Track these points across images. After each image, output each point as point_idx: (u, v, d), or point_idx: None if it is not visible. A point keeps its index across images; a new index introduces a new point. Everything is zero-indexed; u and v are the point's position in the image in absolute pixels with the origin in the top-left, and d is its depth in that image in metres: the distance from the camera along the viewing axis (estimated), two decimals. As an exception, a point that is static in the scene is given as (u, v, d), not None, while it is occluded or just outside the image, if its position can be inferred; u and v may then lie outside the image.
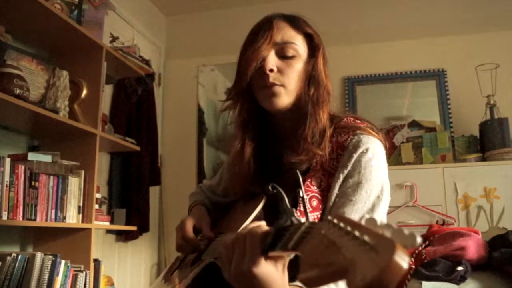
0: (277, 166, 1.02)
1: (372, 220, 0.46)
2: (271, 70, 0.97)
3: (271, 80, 0.97)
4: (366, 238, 0.42)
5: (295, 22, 1.03)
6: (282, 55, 0.99)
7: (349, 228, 0.46)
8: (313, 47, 1.02)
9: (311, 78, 0.99)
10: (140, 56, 3.06)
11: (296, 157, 0.96)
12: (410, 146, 3.19)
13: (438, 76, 3.45)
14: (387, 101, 3.53)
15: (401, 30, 3.54)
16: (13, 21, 2.14)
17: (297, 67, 0.99)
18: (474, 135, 3.15)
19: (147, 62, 3.13)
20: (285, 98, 0.99)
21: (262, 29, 1.00)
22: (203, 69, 3.88)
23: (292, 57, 0.99)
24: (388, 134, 3.28)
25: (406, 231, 0.42)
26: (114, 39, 3.09)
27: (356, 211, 0.90)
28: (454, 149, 3.15)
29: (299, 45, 1.00)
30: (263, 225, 0.71)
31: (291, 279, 0.75)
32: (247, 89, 1.02)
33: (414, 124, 3.31)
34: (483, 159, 3.02)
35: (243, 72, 1.00)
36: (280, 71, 0.98)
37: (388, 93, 3.52)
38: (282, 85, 0.98)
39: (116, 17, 3.19)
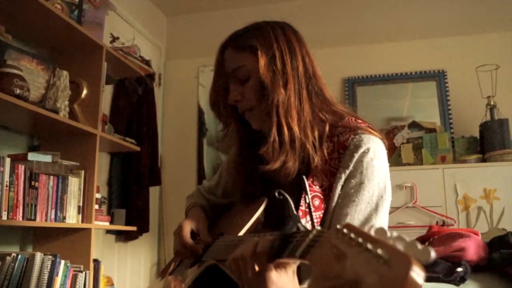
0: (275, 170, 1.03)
1: (382, 231, 0.45)
2: (236, 101, 1.01)
3: (241, 109, 1.03)
4: (380, 251, 0.41)
5: (239, 42, 1.02)
6: (240, 81, 1.01)
7: (360, 240, 0.45)
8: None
9: (262, 88, 0.98)
10: (141, 56, 3.06)
11: (265, 166, 0.96)
12: (410, 147, 3.19)
13: (438, 77, 3.45)
14: (387, 101, 3.53)
15: (401, 31, 3.54)
16: (13, 21, 2.14)
17: (253, 85, 0.99)
18: (474, 136, 3.15)
19: (147, 62, 3.13)
20: (259, 118, 1.01)
21: (217, 66, 1.05)
22: (203, 70, 3.88)
23: (247, 79, 1.00)
24: (388, 135, 3.27)
25: (419, 245, 0.41)
26: (114, 39, 3.09)
27: (359, 212, 0.90)
28: (454, 150, 3.15)
29: (247, 64, 0.99)
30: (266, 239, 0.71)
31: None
32: (230, 115, 1.06)
33: (414, 125, 3.30)
34: (483, 160, 3.02)
35: (213, 108, 1.07)
36: (244, 97, 1.01)
37: (389, 94, 3.52)
38: (252, 108, 1.01)
39: (117, 17, 3.18)
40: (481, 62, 3.22)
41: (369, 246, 0.42)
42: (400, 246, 0.41)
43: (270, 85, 0.96)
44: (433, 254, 0.40)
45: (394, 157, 3.21)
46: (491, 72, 3.18)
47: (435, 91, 3.43)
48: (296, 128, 0.95)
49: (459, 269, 2.26)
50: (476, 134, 3.14)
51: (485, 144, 3.03)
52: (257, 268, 0.69)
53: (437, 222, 2.87)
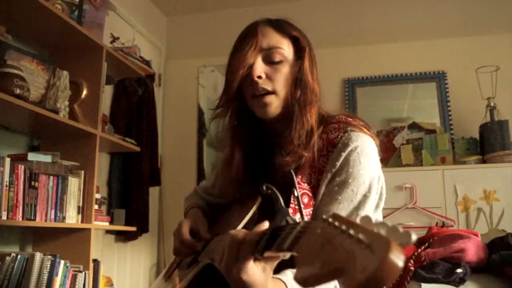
0: (269, 167, 1.03)
1: (367, 218, 0.45)
2: (259, 77, 0.98)
3: (260, 87, 0.99)
4: (361, 236, 0.42)
5: (280, 26, 1.03)
6: (269, 61, 1.00)
7: (343, 227, 0.45)
8: (300, 49, 1.03)
9: (297, 80, 0.99)
10: (141, 57, 3.06)
11: (282, 159, 0.97)
12: (410, 148, 3.19)
13: (438, 78, 3.45)
14: (387, 102, 3.53)
15: (401, 31, 3.54)
16: (13, 21, 2.14)
17: (285, 71, 1.00)
18: (474, 137, 3.15)
19: (147, 63, 3.13)
20: (276, 105, 1.00)
21: (248, 37, 1.01)
22: (203, 70, 3.88)
23: (280, 62, 1.00)
24: (388, 136, 3.28)
25: (401, 229, 0.42)
26: (114, 39, 3.09)
27: (341, 210, 0.91)
28: (454, 151, 3.15)
29: (286, 49, 1.01)
30: (264, 225, 0.72)
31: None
32: (236, 97, 1.03)
33: (414, 126, 3.31)
34: (483, 161, 3.02)
35: (231, 80, 1.01)
36: (268, 77, 0.99)
37: (388, 94, 3.52)
38: (273, 92, 0.99)
39: (117, 17, 3.19)
40: (481, 63, 3.22)
41: (351, 232, 0.43)
42: (382, 231, 0.42)
43: (311, 79, 1.01)
44: (413, 237, 0.41)
45: (394, 158, 3.21)
46: (491, 74, 3.18)
47: (435, 92, 3.43)
48: (314, 125, 1.00)
49: (459, 270, 2.26)
50: (476, 135, 3.14)
51: (485, 145, 3.03)
52: (239, 255, 0.69)
53: (436, 223, 2.87)
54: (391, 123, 3.41)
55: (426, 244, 2.45)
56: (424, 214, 2.91)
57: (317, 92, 1.01)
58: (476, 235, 2.51)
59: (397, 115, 3.48)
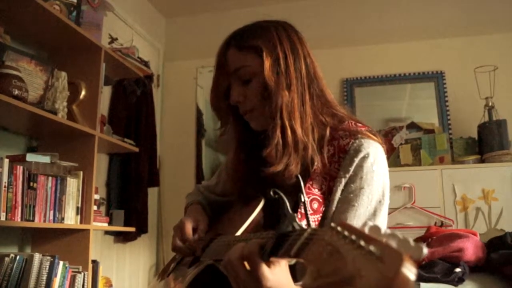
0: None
1: (376, 228, 0.45)
2: (238, 102, 1.00)
3: (242, 110, 1.02)
4: (372, 248, 0.41)
5: (242, 42, 1.00)
6: (243, 80, 1.00)
7: (353, 237, 0.45)
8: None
9: (266, 91, 0.97)
10: (139, 57, 3.06)
11: (270, 168, 0.95)
12: (408, 147, 3.19)
13: (437, 78, 3.45)
14: (385, 102, 3.53)
15: (400, 32, 3.55)
16: (12, 22, 2.14)
17: (257, 86, 0.98)
18: (472, 137, 3.16)
19: (146, 63, 3.13)
20: (260, 119, 1.00)
21: (218, 63, 1.03)
22: (202, 71, 3.88)
23: (251, 79, 0.99)
24: (387, 135, 3.28)
25: (412, 241, 0.41)
26: (112, 40, 3.09)
27: (358, 217, 0.91)
28: (453, 151, 3.15)
29: (251, 64, 0.98)
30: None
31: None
32: (231, 113, 1.06)
33: (412, 126, 3.31)
34: (482, 161, 3.02)
35: (214, 107, 1.07)
36: (246, 97, 1.00)
37: (387, 94, 3.52)
38: (253, 109, 1.00)
39: (115, 18, 3.19)
40: (480, 63, 3.22)
41: (362, 243, 0.43)
42: (393, 243, 0.42)
43: (274, 87, 0.95)
44: (425, 251, 0.41)
45: (393, 158, 3.22)
46: (489, 73, 3.19)
47: (433, 92, 3.44)
48: (299, 131, 0.95)
49: (458, 270, 2.26)
50: (475, 135, 3.15)
51: (483, 145, 3.03)
52: (248, 267, 0.69)
53: (435, 223, 2.87)
54: (390, 123, 3.42)
55: (425, 244, 2.46)
56: (422, 214, 2.92)
57: (286, 99, 0.95)
58: (474, 234, 2.52)
59: (396, 115, 3.49)
